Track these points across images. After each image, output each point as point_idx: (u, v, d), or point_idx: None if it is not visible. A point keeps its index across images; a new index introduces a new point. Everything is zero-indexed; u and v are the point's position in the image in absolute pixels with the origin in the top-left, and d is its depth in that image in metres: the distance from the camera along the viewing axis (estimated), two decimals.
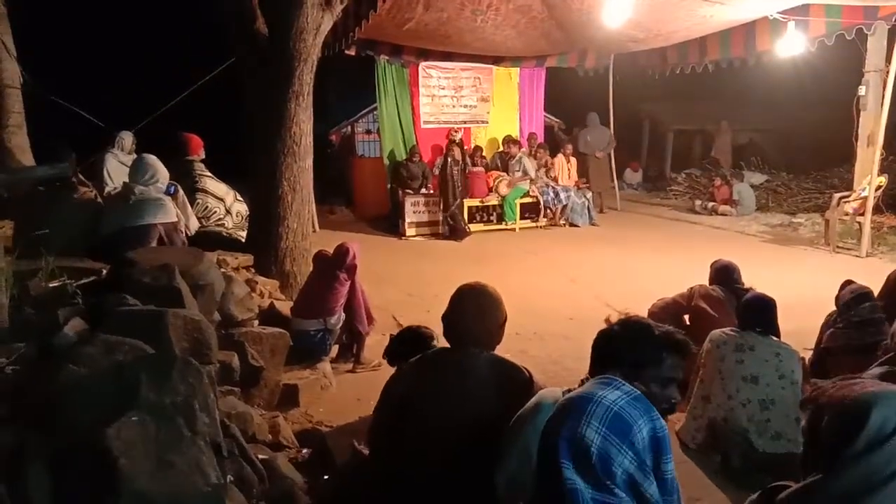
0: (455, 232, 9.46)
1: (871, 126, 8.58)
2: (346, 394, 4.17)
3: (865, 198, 7.99)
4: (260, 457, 2.62)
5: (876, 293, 3.86)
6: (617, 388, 1.30)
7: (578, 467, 1.23)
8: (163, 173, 4.39)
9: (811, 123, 13.37)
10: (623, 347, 1.70)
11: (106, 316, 2.42)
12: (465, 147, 10.51)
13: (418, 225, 9.76)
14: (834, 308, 3.96)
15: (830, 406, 1.40)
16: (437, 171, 9.97)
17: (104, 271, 3.32)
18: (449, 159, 9.49)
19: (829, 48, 8.44)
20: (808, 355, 4.00)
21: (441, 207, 9.61)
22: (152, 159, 4.43)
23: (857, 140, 8.86)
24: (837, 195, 8.80)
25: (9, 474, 1.47)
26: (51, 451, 1.50)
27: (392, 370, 2.52)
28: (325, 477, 2.84)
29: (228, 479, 1.91)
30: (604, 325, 1.82)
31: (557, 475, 1.24)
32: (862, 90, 8.77)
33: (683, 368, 1.81)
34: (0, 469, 1.49)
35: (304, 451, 3.26)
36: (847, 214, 8.36)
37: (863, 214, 7.97)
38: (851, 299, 3.75)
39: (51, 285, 2.93)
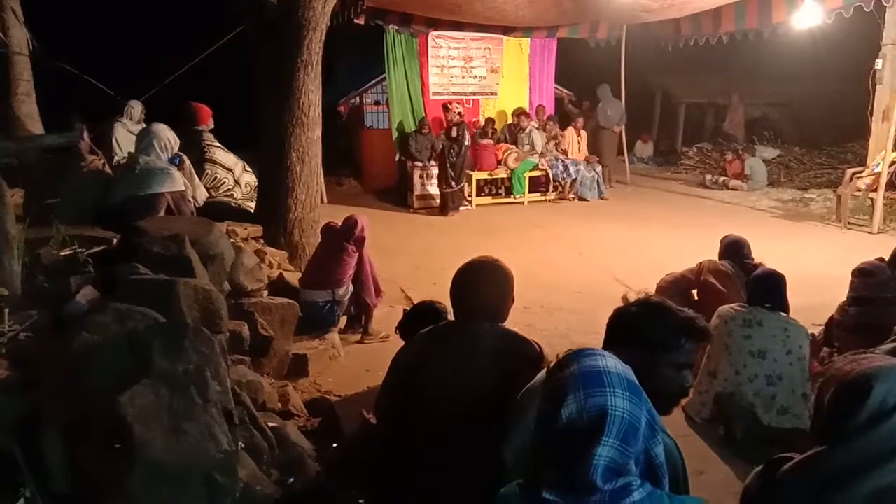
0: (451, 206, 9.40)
1: (887, 101, 8.45)
2: (355, 364, 4.21)
3: (879, 173, 7.90)
4: (270, 425, 2.66)
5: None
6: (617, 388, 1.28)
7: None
8: (166, 141, 4.37)
9: (826, 97, 13.16)
10: (641, 328, 1.67)
11: (117, 285, 2.44)
12: (467, 122, 10.43)
13: (426, 197, 9.73)
14: (845, 285, 3.94)
15: (836, 379, 1.40)
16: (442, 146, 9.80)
17: (115, 240, 3.33)
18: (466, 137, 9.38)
19: (846, 20, 8.27)
20: (817, 331, 3.99)
21: (452, 184, 9.44)
22: (157, 128, 4.41)
23: (871, 115, 8.73)
24: (850, 171, 8.70)
25: (25, 440, 1.49)
26: (66, 418, 1.53)
27: (401, 342, 2.53)
28: (334, 445, 2.88)
29: (240, 446, 1.94)
30: (617, 303, 1.80)
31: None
32: (878, 64, 8.62)
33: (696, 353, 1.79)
34: (16, 435, 1.51)
35: (314, 419, 3.30)
36: (860, 190, 8.27)
37: (875, 190, 7.89)
38: (855, 274, 3.71)
39: (62, 254, 2.95)
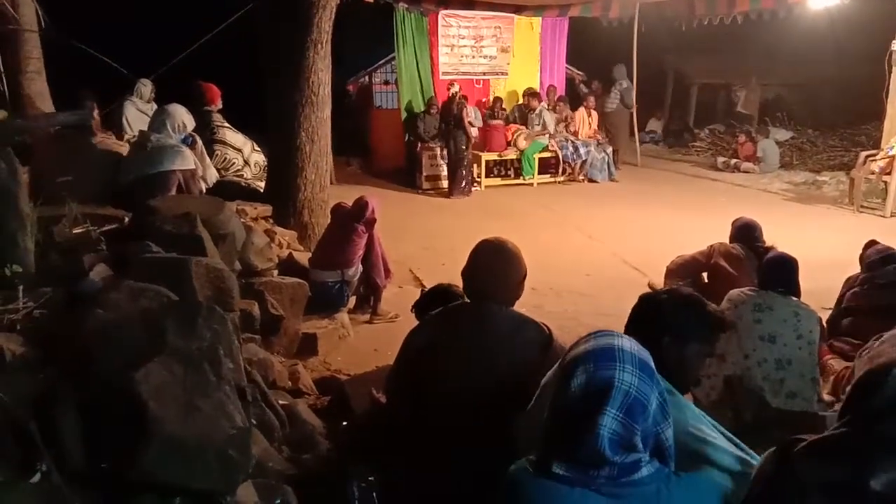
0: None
1: None
2: (364, 344, 4.24)
3: (893, 156, 7.81)
4: (281, 402, 2.69)
5: None
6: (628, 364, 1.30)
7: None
8: (180, 123, 4.36)
9: (841, 79, 12.96)
10: (675, 319, 1.70)
11: (130, 263, 2.45)
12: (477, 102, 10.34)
13: (435, 178, 9.69)
14: (856, 268, 3.92)
15: (867, 364, 1.41)
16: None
17: (126, 219, 3.35)
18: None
19: (864, 0, 8.14)
20: (826, 314, 3.98)
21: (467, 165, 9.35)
22: (173, 109, 4.40)
23: (887, 97, 8.61)
24: (864, 153, 8.60)
25: (41, 417, 1.51)
26: (82, 395, 1.55)
27: (411, 323, 2.54)
28: (344, 423, 2.90)
29: (252, 423, 1.96)
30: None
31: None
32: (895, 45, 8.47)
33: None
34: (32, 411, 1.53)
35: (324, 398, 3.33)
36: (873, 173, 8.19)
37: (889, 173, 7.81)
38: (876, 260, 3.70)
39: (75, 232, 2.96)
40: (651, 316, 1.72)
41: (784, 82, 14.88)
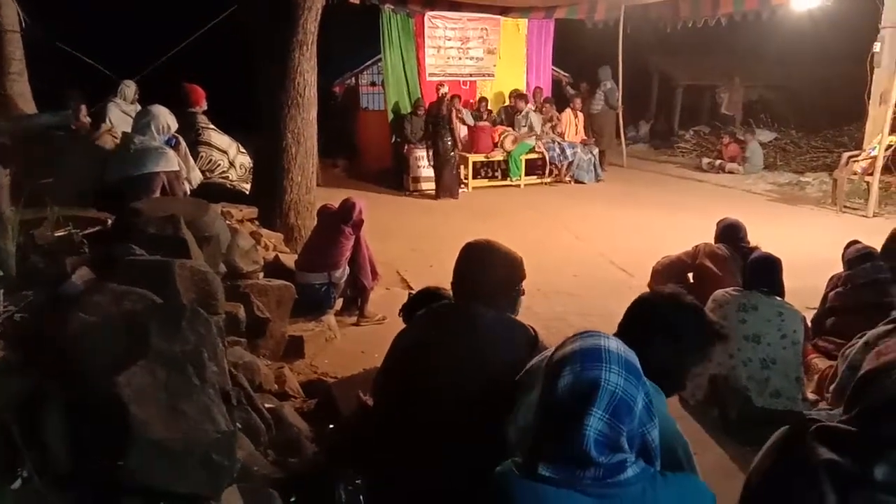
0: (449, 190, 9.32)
1: (885, 84, 8.42)
2: (351, 346, 4.22)
3: (875, 157, 7.90)
4: (267, 406, 2.67)
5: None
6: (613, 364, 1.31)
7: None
8: (164, 124, 4.32)
9: (824, 80, 13.12)
10: (673, 323, 1.72)
11: (113, 265, 2.42)
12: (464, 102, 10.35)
13: (422, 180, 9.69)
14: (839, 268, 3.97)
15: (874, 358, 1.43)
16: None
17: (109, 221, 3.31)
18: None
19: (847, 2, 8.23)
20: (810, 314, 4.02)
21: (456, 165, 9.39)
22: (157, 110, 4.36)
23: (869, 98, 8.72)
24: (847, 154, 8.70)
25: (24, 419, 1.49)
26: (65, 398, 1.53)
27: (398, 325, 2.54)
28: (331, 426, 2.89)
29: (237, 427, 1.94)
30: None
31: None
32: (877, 47, 8.58)
33: None
34: (15, 414, 1.51)
35: (310, 401, 3.32)
36: (855, 174, 8.29)
37: (871, 174, 7.90)
38: (855, 258, 3.75)
39: (57, 234, 2.93)
40: (647, 317, 1.74)
41: (767, 83, 15.04)
